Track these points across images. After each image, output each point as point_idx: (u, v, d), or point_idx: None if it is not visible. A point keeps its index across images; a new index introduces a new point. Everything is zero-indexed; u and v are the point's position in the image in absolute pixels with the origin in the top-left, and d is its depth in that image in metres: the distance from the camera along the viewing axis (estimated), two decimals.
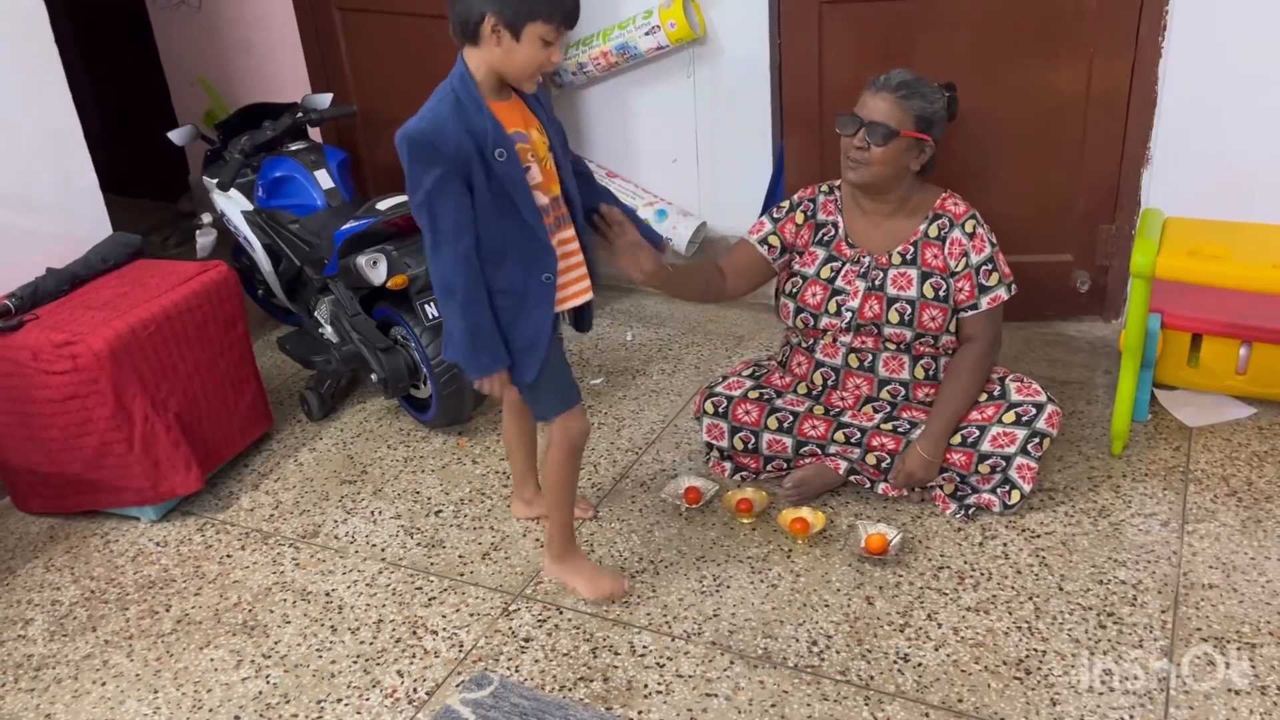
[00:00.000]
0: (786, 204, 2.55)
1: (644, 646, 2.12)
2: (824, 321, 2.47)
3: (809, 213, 2.52)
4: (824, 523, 2.39)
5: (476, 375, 1.99)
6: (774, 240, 2.53)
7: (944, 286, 2.40)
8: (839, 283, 2.46)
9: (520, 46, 1.81)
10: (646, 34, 3.24)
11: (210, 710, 2.05)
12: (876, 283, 2.43)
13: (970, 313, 2.42)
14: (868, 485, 2.51)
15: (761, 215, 2.58)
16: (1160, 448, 2.63)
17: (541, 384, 2.06)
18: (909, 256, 2.42)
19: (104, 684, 2.14)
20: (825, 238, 2.50)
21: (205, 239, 3.38)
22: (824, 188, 2.54)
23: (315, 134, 3.74)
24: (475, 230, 1.89)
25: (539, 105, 2.00)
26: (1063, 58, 2.88)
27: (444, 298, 1.94)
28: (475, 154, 1.84)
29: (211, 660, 2.18)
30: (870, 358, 2.47)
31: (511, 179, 1.88)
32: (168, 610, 2.34)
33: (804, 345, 2.56)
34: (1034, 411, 2.37)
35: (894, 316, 2.41)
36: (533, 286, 1.98)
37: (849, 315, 2.44)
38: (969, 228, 2.41)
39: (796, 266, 2.53)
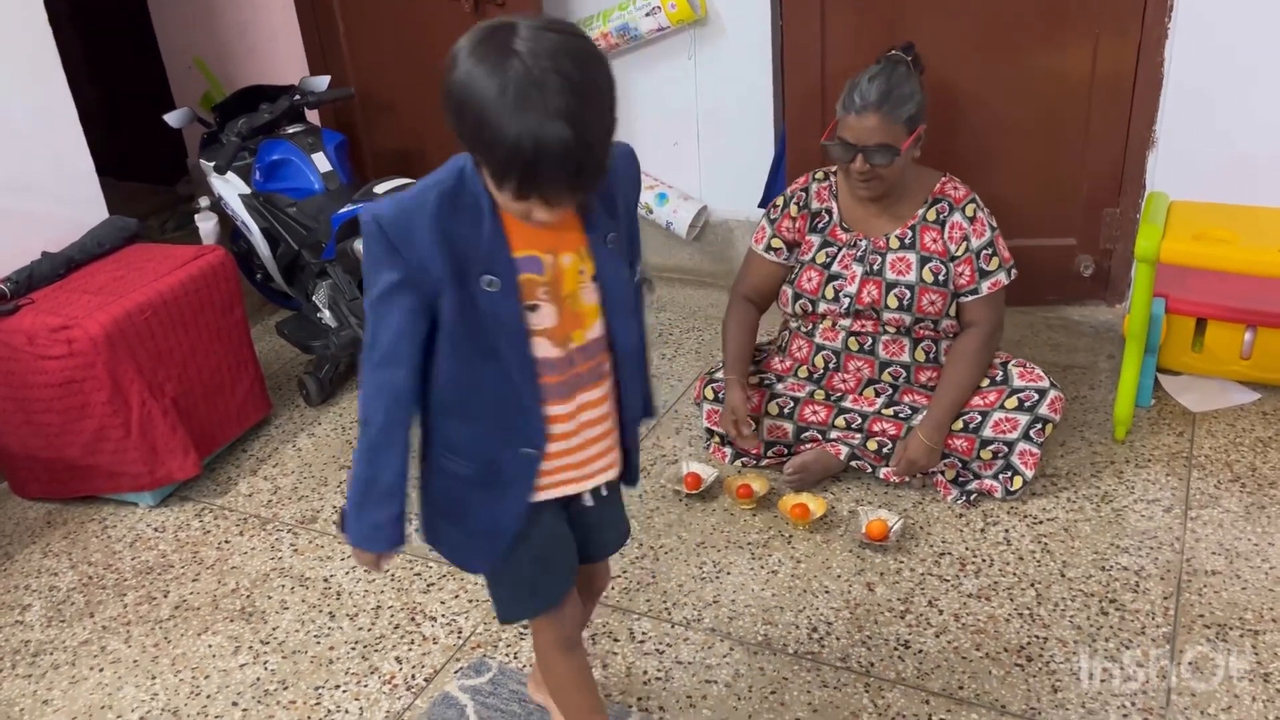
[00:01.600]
0: (780, 200, 2.53)
1: (643, 633, 2.11)
2: (822, 307, 2.46)
3: (801, 203, 2.50)
4: (825, 509, 2.38)
5: (354, 541, 1.45)
6: (777, 243, 2.52)
7: (943, 271, 2.38)
8: (835, 268, 2.44)
9: (501, 194, 1.25)
10: (647, 15, 3.21)
11: (208, 696, 2.05)
12: (874, 267, 2.41)
13: (971, 298, 2.40)
14: (869, 471, 2.50)
15: (761, 219, 2.57)
16: (1164, 433, 2.62)
17: (501, 578, 1.58)
18: (907, 240, 2.40)
19: (101, 670, 2.14)
20: (820, 224, 2.49)
21: (207, 224, 3.36)
22: (818, 174, 2.52)
23: (313, 116, 3.71)
24: (418, 364, 1.37)
25: (604, 214, 1.38)
26: (1067, 39, 2.85)
27: (360, 426, 1.42)
28: (449, 275, 1.30)
29: (209, 646, 2.17)
30: (870, 341, 2.45)
31: (497, 318, 1.33)
32: (165, 596, 2.33)
33: (803, 330, 2.54)
34: (1036, 397, 2.35)
35: (892, 301, 2.39)
36: (506, 459, 1.44)
37: (847, 301, 2.42)
38: (969, 211, 2.39)
39: (796, 255, 2.52)
